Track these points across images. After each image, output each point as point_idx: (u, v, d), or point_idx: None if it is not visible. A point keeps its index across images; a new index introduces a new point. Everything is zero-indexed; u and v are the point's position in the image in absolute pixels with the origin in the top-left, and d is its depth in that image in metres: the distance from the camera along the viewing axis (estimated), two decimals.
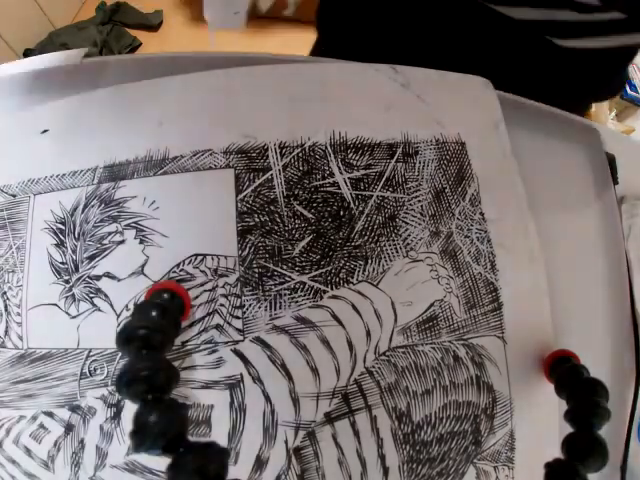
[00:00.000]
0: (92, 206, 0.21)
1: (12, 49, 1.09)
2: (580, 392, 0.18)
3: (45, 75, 0.22)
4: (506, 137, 0.22)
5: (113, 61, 0.22)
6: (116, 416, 0.19)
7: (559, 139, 0.23)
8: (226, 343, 0.19)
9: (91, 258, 0.20)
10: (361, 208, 0.20)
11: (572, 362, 0.19)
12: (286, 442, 0.19)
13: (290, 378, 0.19)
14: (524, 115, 0.24)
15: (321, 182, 0.21)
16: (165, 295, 0.18)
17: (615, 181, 0.23)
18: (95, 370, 0.19)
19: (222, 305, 0.19)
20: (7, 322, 0.20)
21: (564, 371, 0.19)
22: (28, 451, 0.19)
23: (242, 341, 0.19)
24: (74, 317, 0.20)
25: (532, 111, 0.24)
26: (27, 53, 1.12)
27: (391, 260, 0.20)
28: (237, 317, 0.19)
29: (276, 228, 0.20)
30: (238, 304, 0.19)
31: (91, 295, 0.20)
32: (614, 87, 0.32)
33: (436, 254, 0.20)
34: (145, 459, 0.18)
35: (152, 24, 1.24)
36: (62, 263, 0.20)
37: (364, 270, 0.20)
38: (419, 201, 0.21)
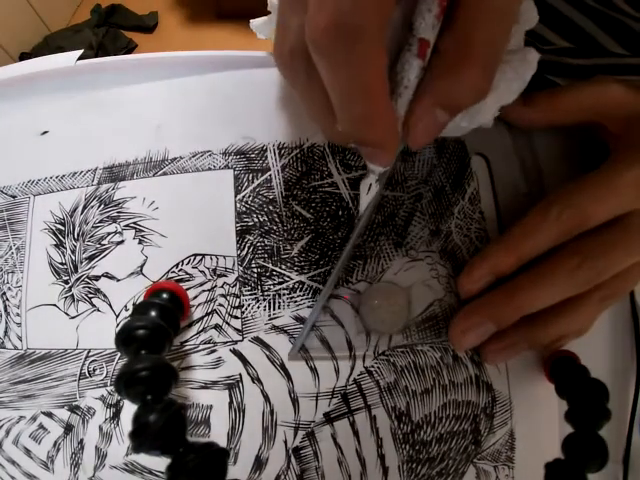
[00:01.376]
0: (91, 207, 0.21)
1: (7, 53, 1.09)
2: (580, 392, 0.18)
3: (41, 78, 0.22)
4: (506, 134, 0.22)
5: (109, 62, 0.22)
6: (115, 416, 0.19)
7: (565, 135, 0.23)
8: (225, 343, 0.19)
9: (90, 258, 0.20)
10: (360, 207, 0.20)
11: (572, 362, 0.19)
12: (285, 442, 0.19)
13: (289, 378, 0.19)
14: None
15: (319, 182, 0.21)
16: (164, 295, 0.18)
17: None
18: (94, 370, 0.19)
19: (221, 305, 0.19)
20: (7, 323, 0.20)
21: (564, 371, 0.19)
22: (28, 451, 0.19)
23: (241, 341, 0.19)
24: (73, 317, 0.20)
25: None
26: (23, 57, 1.12)
27: (390, 259, 0.20)
28: (236, 317, 0.19)
29: (275, 228, 0.20)
30: (237, 304, 0.19)
31: (90, 295, 0.20)
32: None
33: (436, 253, 0.20)
34: (144, 459, 0.18)
35: (147, 26, 1.24)
36: (61, 264, 0.20)
37: (363, 269, 0.20)
38: (418, 200, 0.21)
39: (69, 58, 0.22)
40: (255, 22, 0.23)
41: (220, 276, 0.20)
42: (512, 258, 0.18)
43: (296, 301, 0.19)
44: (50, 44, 1.14)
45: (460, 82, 0.13)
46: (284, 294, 0.20)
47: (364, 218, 0.19)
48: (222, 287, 0.20)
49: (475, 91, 0.14)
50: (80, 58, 0.22)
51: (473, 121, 0.17)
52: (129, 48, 1.19)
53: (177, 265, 0.20)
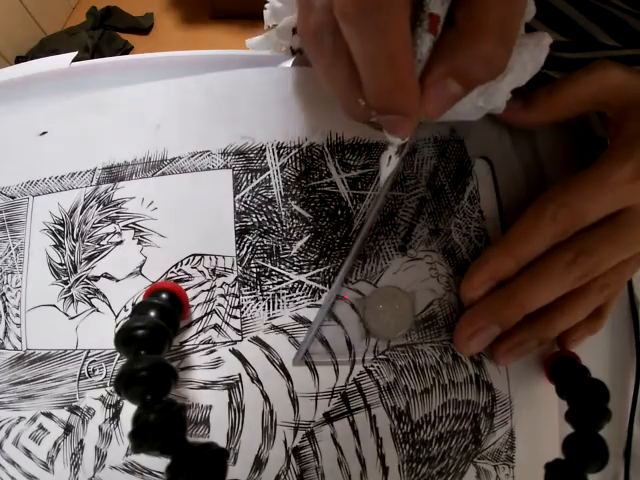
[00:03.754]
0: (91, 207, 0.21)
1: (3, 56, 1.09)
2: (581, 393, 0.18)
3: (38, 80, 0.22)
4: (507, 136, 0.22)
5: (105, 63, 0.22)
6: (115, 417, 0.19)
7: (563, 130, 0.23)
8: (224, 343, 0.19)
9: (89, 259, 0.20)
10: (359, 207, 0.20)
11: (573, 363, 0.19)
12: (285, 442, 0.19)
13: (289, 378, 0.19)
14: None
15: (318, 182, 0.21)
16: (163, 295, 0.18)
17: None
18: (94, 371, 0.19)
19: (220, 305, 0.19)
20: (6, 323, 0.20)
21: (565, 372, 0.19)
22: (28, 452, 0.19)
23: (240, 341, 0.19)
24: (73, 318, 0.20)
25: None
26: (18, 60, 1.12)
27: (390, 259, 0.20)
28: (235, 317, 0.19)
29: (274, 228, 0.20)
30: (236, 304, 0.19)
31: (89, 296, 0.20)
32: None
33: (435, 252, 0.20)
34: (144, 460, 0.18)
35: (143, 27, 1.24)
36: (61, 264, 0.20)
37: (362, 269, 0.20)
38: (418, 199, 0.21)
39: (64, 60, 0.22)
40: (251, 42, 0.23)
41: (219, 276, 0.20)
42: (511, 262, 0.18)
43: (295, 301, 0.19)
44: (46, 47, 1.14)
45: (474, 53, 0.14)
46: (283, 294, 0.19)
47: (382, 195, 0.19)
48: (221, 287, 0.20)
49: (489, 64, 0.14)
50: (75, 60, 0.23)
51: (489, 101, 0.17)
52: (125, 50, 1.18)
53: (176, 265, 0.20)
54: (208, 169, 0.21)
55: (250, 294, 0.20)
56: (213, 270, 0.20)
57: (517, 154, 0.22)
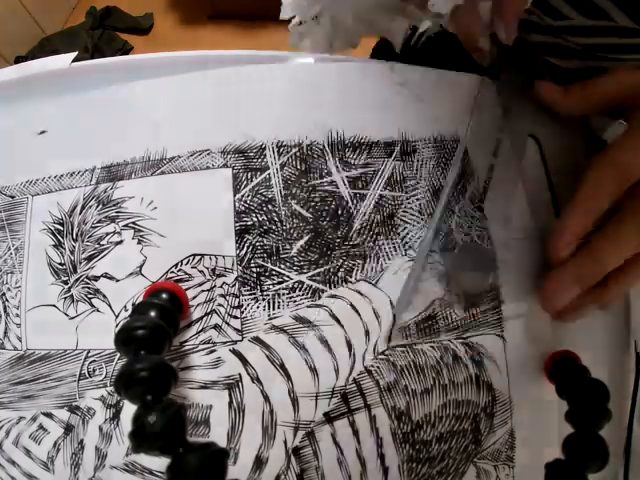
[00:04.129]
0: (90, 207, 0.21)
1: (3, 56, 1.09)
2: (581, 393, 0.18)
3: (37, 79, 0.22)
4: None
5: (104, 63, 0.22)
6: (115, 417, 0.19)
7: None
8: (224, 343, 0.19)
9: (89, 259, 0.20)
10: (359, 207, 0.20)
11: (573, 363, 0.19)
12: (285, 442, 0.19)
13: (289, 378, 0.19)
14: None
15: (319, 181, 0.21)
16: (163, 295, 0.18)
17: None
18: (94, 371, 0.19)
19: (220, 305, 0.19)
20: (6, 323, 0.20)
21: (565, 372, 0.19)
22: (28, 452, 0.19)
23: (241, 341, 0.19)
24: (72, 318, 0.20)
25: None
26: (18, 60, 1.12)
27: (390, 259, 0.20)
28: (235, 317, 0.19)
29: (274, 227, 0.20)
30: (236, 304, 0.19)
31: (89, 296, 0.20)
32: None
33: (436, 252, 0.20)
34: (144, 460, 0.18)
35: (143, 27, 1.24)
36: (60, 264, 0.20)
37: (362, 269, 0.20)
38: (418, 199, 0.21)
39: (64, 60, 0.22)
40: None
41: (219, 276, 0.20)
42: (585, 221, 0.19)
43: (295, 301, 0.19)
44: (45, 47, 1.14)
45: None
46: (283, 294, 0.19)
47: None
48: (221, 287, 0.20)
49: None
50: (75, 60, 0.22)
51: None
52: (125, 50, 1.18)
53: (176, 265, 0.20)
54: (207, 168, 0.21)
55: (250, 294, 0.19)
56: (213, 270, 0.20)
57: (563, 133, 0.22)
